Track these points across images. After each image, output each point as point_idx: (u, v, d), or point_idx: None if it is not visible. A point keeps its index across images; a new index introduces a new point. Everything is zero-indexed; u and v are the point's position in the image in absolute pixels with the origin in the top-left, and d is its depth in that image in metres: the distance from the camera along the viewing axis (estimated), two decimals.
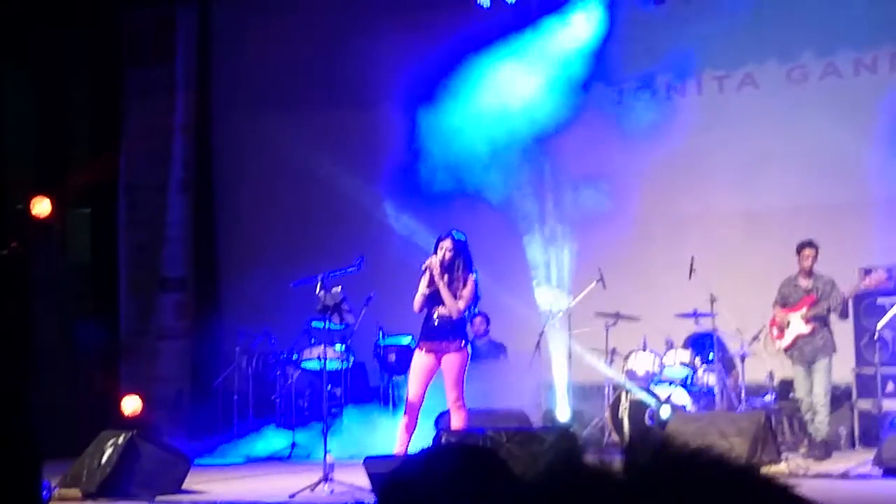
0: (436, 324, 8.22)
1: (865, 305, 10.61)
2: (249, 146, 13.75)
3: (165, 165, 13.44)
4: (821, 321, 9.99)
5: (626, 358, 10.71)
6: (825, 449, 9.71)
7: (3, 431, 2.57)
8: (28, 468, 2.52)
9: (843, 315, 10.11)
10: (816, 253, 10.02)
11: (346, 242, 11.42)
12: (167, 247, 13.40)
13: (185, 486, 8.23)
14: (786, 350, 10.08)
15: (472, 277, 8.20)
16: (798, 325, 10.00)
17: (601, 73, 12.25)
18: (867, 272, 9.95)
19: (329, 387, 9.07)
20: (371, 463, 7.20)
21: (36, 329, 12.58)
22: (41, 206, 11.48)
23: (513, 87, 11.91)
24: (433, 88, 12.09)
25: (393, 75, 12.48)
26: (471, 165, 11.73)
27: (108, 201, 13.65)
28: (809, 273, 10.07)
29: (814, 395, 9.90)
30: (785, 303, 10.16)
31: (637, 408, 10.37)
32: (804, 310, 9.99)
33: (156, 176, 13.46)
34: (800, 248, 10.08)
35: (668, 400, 10.29)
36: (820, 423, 9.82)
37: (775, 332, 10.16)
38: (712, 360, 10.37)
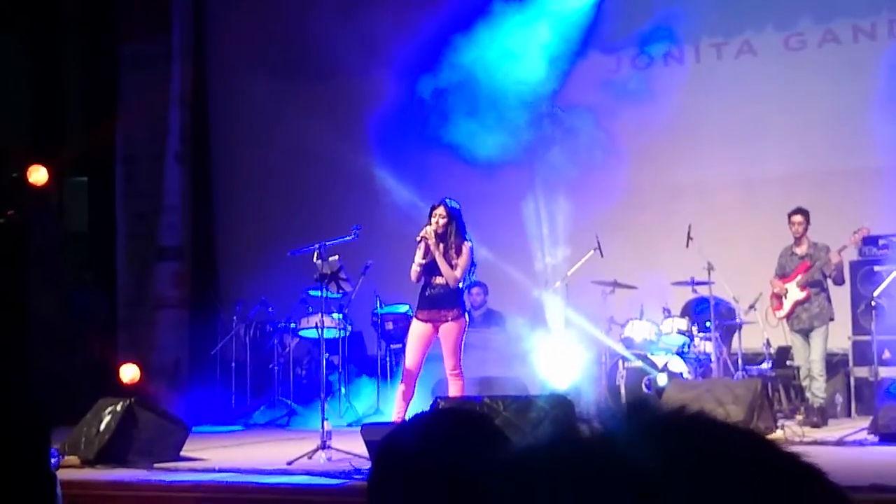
0: (433, 293, 8.23)
1: (863, 273, 10.61)
2: (246, 116, 13.71)
3: (162, 135, 13.38)
4: (817, 287, 10.01)
5: (624, 326, 10.72)
6: (822, 415, 9.74)
7: (11, 400, 2.56)
8: (37, 436, 2.51)
9: (839, 281, 10.11)
10: (806, 220, 10.02)
11: (343, 211, 11.41)
12: (164, 216, 13.36)
13: (183, 453, 8.23)
14: (786, 319, 10.11)
15: (466, 245, 8.20)
16: (794, 292, 10.03)
17: (598, 39, 12.20)
18: (856, 232, 9.96)
19: (326, 355, 9.06)
20: (368, 430, 7.21)
21: (33, 298, 12.56)
22: (38, 175, 11.44)
23: (508, 54, 11.83)
24: (428, 55, 12.01)
25: (388, 42, 12.42)
26: (465, 133, 11.67)
27: (105, 170, 13.61)
28: (803, 240, 10.08)
29: (811, 361, 9.95)
30: (783, 273, 10.18)
31: (634, 376, 10.40)
32: (799, 277, 10.02)
33: (152, 146, 13.40)
34: (789, 216, 10.10)
35: (664, 368, 10.31)
36: (817, 389, 9.88)
37: (774, 303, 10.18)
38: (709, 328, 10.38)
